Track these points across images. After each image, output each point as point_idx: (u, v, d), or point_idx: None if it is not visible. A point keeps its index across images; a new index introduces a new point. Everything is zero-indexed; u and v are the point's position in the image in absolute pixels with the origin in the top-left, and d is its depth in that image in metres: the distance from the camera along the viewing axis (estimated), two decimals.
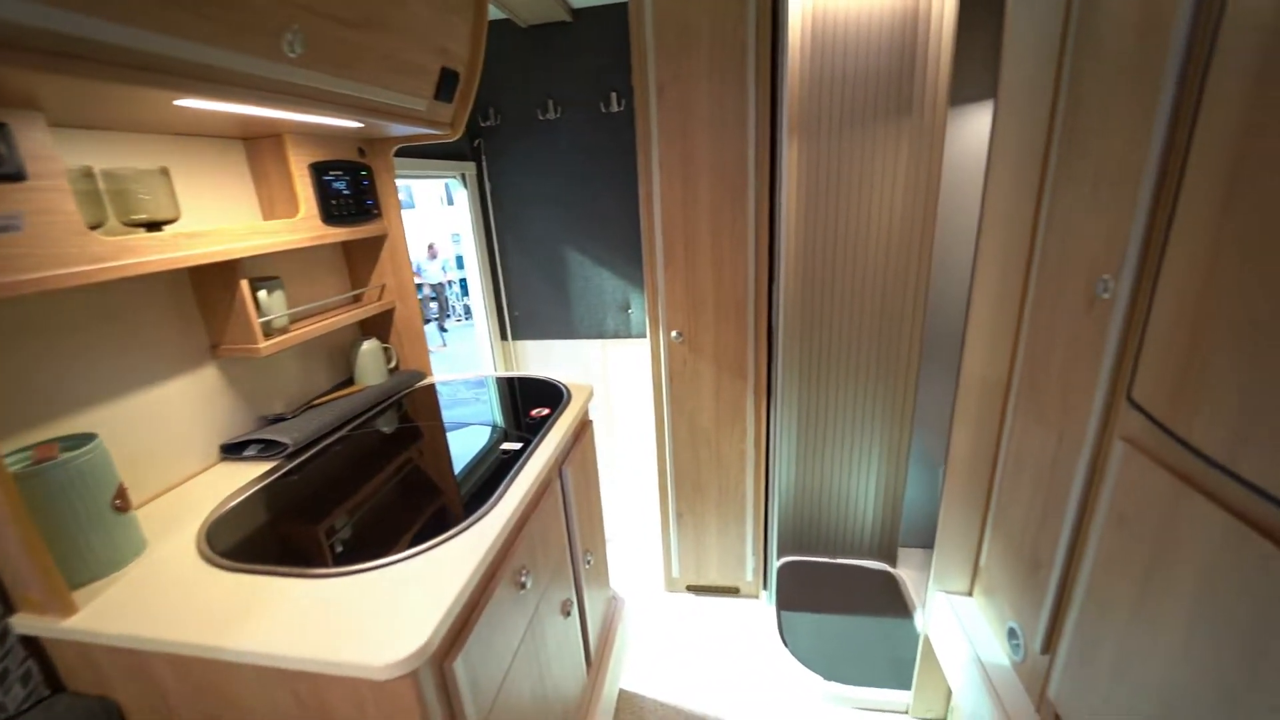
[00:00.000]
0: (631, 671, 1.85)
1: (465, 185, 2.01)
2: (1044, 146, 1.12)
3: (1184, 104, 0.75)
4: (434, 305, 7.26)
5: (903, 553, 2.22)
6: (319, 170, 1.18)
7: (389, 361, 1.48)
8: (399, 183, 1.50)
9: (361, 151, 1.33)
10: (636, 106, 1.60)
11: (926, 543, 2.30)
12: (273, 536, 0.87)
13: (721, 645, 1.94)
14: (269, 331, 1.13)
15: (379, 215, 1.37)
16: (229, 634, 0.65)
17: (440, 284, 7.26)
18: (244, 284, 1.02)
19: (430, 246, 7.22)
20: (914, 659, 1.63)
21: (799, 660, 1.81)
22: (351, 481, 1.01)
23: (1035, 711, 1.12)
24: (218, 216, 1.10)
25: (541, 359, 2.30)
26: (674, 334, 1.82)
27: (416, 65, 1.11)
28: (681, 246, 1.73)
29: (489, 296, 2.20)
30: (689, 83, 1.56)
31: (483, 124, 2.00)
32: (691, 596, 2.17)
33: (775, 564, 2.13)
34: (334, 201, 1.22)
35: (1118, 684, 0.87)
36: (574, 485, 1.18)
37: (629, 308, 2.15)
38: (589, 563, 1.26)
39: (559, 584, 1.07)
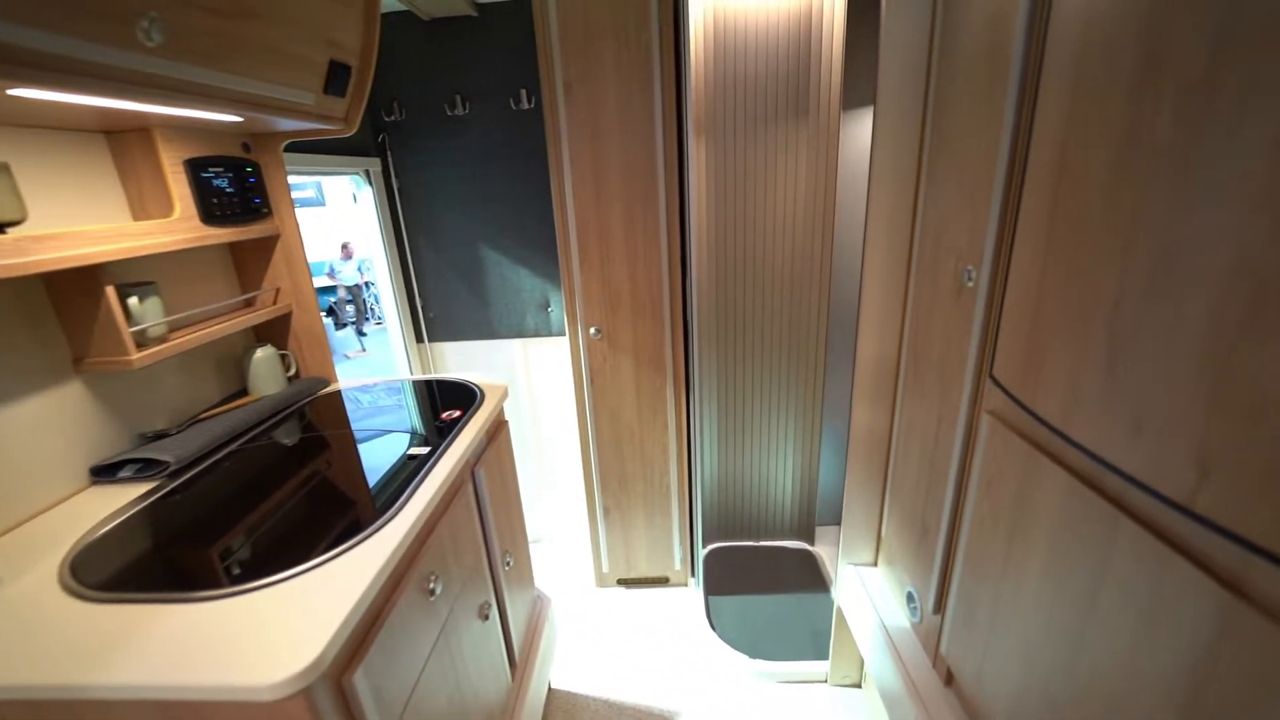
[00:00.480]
0: (563, 670, 1.85)
1: (370, 182, 1.93)
2: (918, 148, 1.21)
3: (1023, 116, 0.84)
4: (350, 308, 6.90)
5: (820, 531, 2.34)
6: (196, 167, 1.10)
7: (287, 369, 1.40)
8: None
9: (246, 147, 1.25)
10: (544, 104, 1.60)
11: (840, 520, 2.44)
12: (150, 562, 0.80)
13: (652, 635, 1.98)
14: (143, 341, 1.05)
15: (269, 214, 1.30)
16: (94, 670, 0.60)
17: (357, 285, 6.90)
18: (110, 291, 0.93)
19: (345, 246, 6.85)
20: (829, 630, 1.73)
21: (726, 642, 1.87)
22: (244, 498, 0.95)
23: (931, 668, 1.22)
24: (78, 217, 1.00)
25: (461, 361, 2.25)
26: (593, 330, 1.83)
27: (301, 57, 1.05)
28: (596, 244, 1.74)
29: (401, 298, 2.12)
30: (596, 82, 1.58)
31: (387, 119, 1.93)
32: (622, 590, 2.20)
33: (702, 552, 2.19)
34: (215, 200, 1.14)
35: (993, 636, 0.96)
36: (489, 486, 1.17)
37: (549, 306, 2.14)
38: (509, 564, 1.25)
39: (475, 587, 1.06)
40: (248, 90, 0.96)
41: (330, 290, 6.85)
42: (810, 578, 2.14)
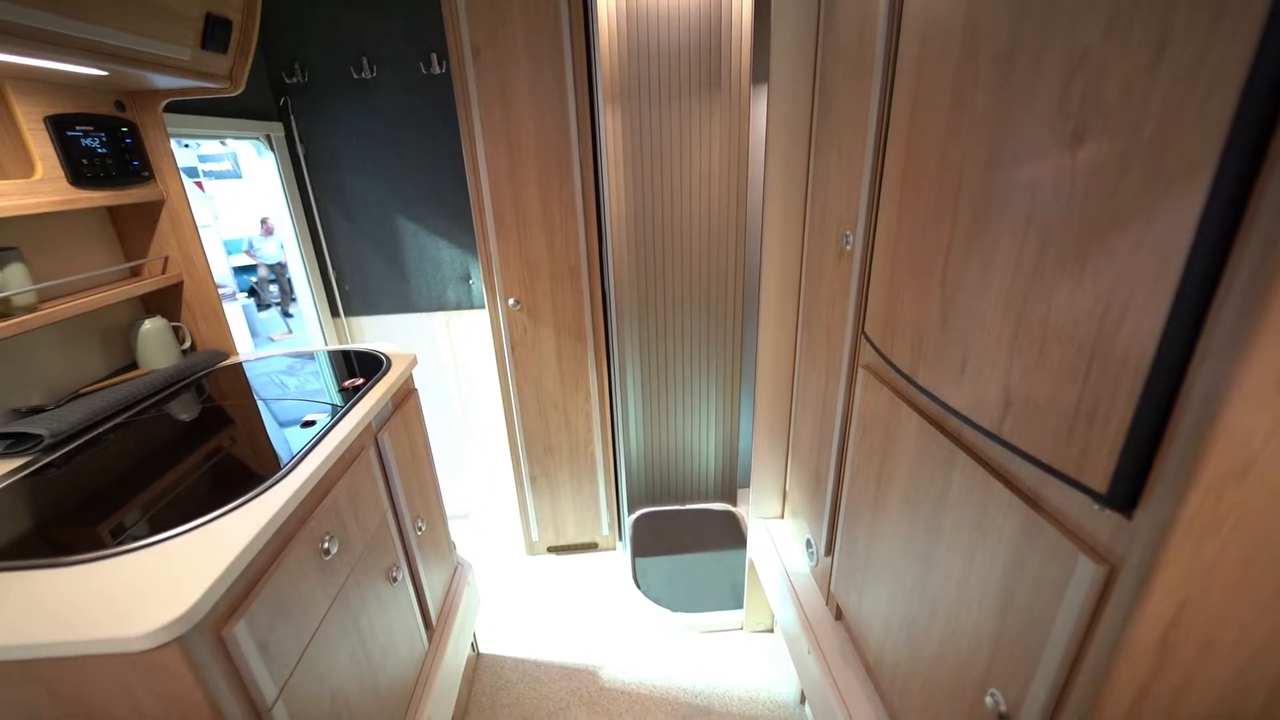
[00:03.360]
0: (493, 635, 1.89)
1: (273, 148, 1.84)
2: (809, 123, 1.27)
3: (886, 92, 0.90)
4: (274, 288, 6.53)
5: (742, 493, 2.46)
6: (60, 125, 1.03)
7: (181, 342, 1.35)
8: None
9: (121, 105, 1.18)
10: (453, 69, 1.56)
11: None
12: (21, 533, 0.78)
13: (580, 598, 2.04)
14: (6, 310, 0.99)
15: (150, 178, 1.23)
16: None
17: (280, 264, 6.52)
18: None
19: (264, 221, 6.45)
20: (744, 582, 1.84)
21: (650, 599, 1.95)
22: (129, 470, 0.93)
23: (825, 606, 1.33)
24: None
25: (381, 336, 2.20)
26: (511, 301, 1.83)
27: (169, 8, 1.00)
28: (512, 213, 1.73)
29: (313, 269, 2.05)
30: (506, 47, 1.56)
31: (289, 81, 1.84)
32: (552, 557, 2.25)
33: (629, 517, 2.26)
34: (85, 161, 1.07)
35: (869, 570, 1.06)
36: (396, 452, 1.18)
37: (470, 278, 2.12)
38: (421, 529, 1.26)
39: (379, 551, 1.07)
40: (107, 40, 0.91)
41: (251, 269, 6.47)
42: (732, 536, 2.25)
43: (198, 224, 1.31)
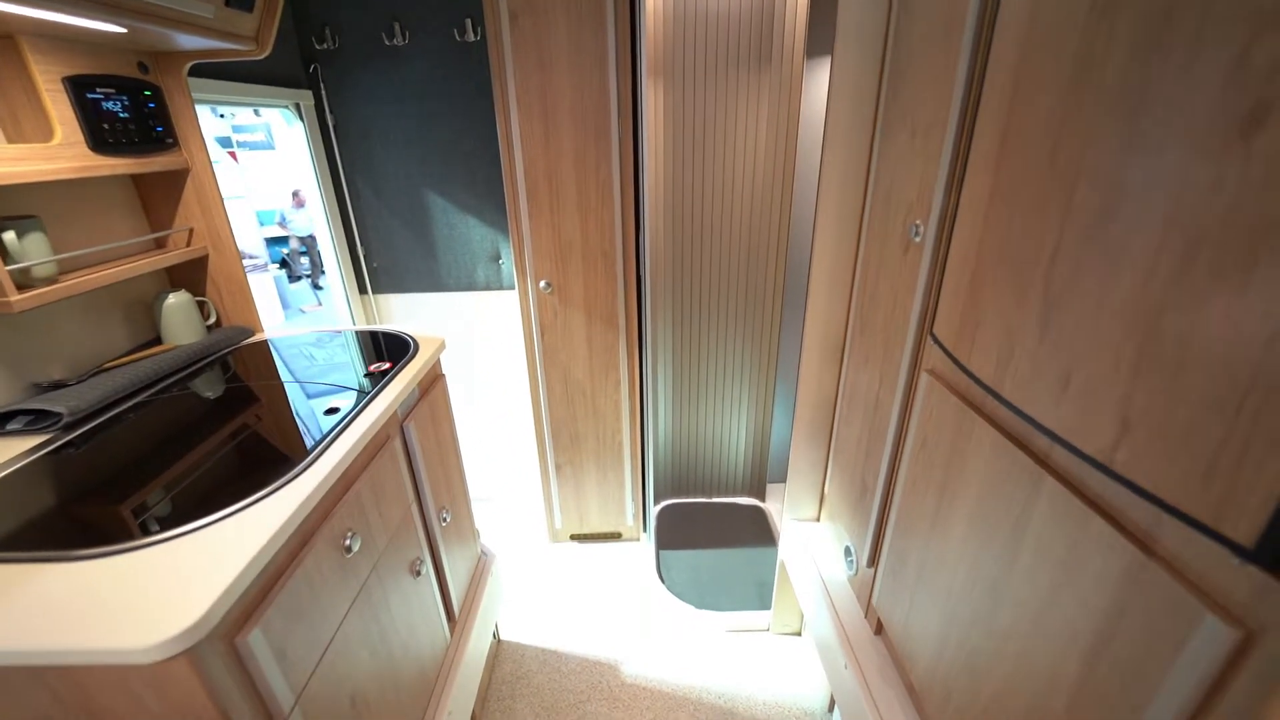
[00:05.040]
0: (514, 623, 1.86)
1: (301, 117, 1.79)
2: (875, 97, 1.16)
3: (979, 56, 0.79)
4: (305, 260, 6.58)
5: (771, 488, 2.38)
6: (79, 86, 0.97)
7: (206, 317, 1.31)
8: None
9: (144, 67, 1.12)
10: (488, 36, 1.48)
11: None
12: (34, 519, 0.74)
13: (602, 588, 2.00)
14: (26, 282, 0.95)
15: (174, 145, 1.17)
16: None
17: (310, 236, 6.56)
18: None
19: (296, 194, 6.48)
20: (773, 581, 1.77)
21: (674, 594, 1.90)
22: (145, 452, 0.89)
23: (863, 618, 1.26)
24: None
25: (409, 315, 2.16)
26: (542, 284, 1.76)
27: None
28: (546, 192, 1.65)
29: (341, 245, 2.00)
30: (544, 13, 1.46)
31: (318, 46, 1.77)
32: (575, 545, 2.21)
33: (654, 508, 2.21)
34: (107, 126, 1.02)
35: (920, 588, 0.98)
36: (422, 441, 1.13)
37: (500, 258, 2.05)
38: (446, 520, 1.22)
39: (404, 544, 1.03)
40: None
41: (283, 241, 6.52)
42: (759, 533, 2.18)
43: (232, 195, 1.26)
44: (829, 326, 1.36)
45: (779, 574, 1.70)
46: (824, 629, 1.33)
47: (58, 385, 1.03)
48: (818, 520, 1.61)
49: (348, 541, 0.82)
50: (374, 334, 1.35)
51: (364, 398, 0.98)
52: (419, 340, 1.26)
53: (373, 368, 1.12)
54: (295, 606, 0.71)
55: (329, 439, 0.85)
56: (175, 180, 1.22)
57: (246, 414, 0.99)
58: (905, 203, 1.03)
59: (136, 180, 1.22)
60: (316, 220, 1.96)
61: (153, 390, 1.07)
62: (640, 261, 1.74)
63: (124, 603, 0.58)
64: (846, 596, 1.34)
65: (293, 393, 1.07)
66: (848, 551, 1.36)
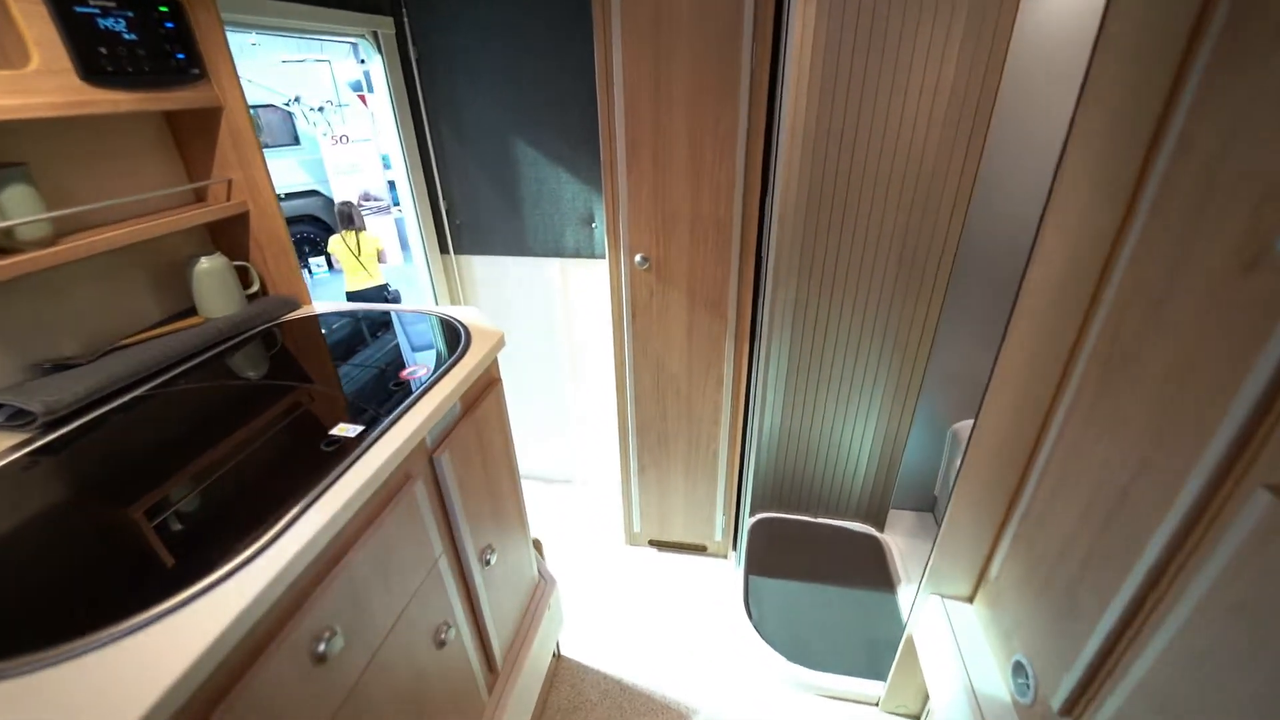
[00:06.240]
0: (578, 635, 1.66)
1: (380, 49, 1.55)
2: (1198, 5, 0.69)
3: None
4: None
5: (893, 515, 1.98)
6: None
7: (248, 285, 1.13)
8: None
9: None
10: None
11: (920, 505, 2.05)
12: None
13: (679, 611, 1.74)
14: (11, 244, 0.78)
15: (201, 77, 0.96)
16: None
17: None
18: None
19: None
20: (890, 640, 1.42)
21: (763, 636, 1.60)
22: (120, 477, 0.70)
23: None
24: None
25: (492, 280, 1.94)
26: (638, 259, 1.44)
27: None
28: (650, 145, 1.31)
29: (422, 198, 1.79)
30: None
31: None
32: (653, 552, 1.96)
33: (747, 522, 1.89)
34: (104, 50, 0.81)
35: None
36: (461, 473, 0.87)
37: (593, 221, 1.75)
38: (490, 561, 0.98)
39: (423, 610, 0.79)
40: None
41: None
42: (875, 571, 1.80)
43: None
44: (1040, 353, 0.94)
45: (903, 647, 1.34)
46: None
47: (65, 365, 0.88)
48: (970, 601, 1.22)
49: (322, 647, 0.58)
50: (423, 318, 1.11)
51: (371, 432, 0.72)
52: (473, 331, 1.00)
53: (405, 373, 0.87)
54: None
55: (316, 495, 0.61)
56: (207, 121, 1.01)
57: (233, 438, 0.77)
58: (1257, 189, 0.58)
59: (171, 121, 1.03)
60: (395, 168, 1.75)
61: (159, 381, 0.90)
62: (763, 237, 1.36)
63: None
64: None
65: (297, 415, 0.84)
66: (1019, 669, 0.97)
